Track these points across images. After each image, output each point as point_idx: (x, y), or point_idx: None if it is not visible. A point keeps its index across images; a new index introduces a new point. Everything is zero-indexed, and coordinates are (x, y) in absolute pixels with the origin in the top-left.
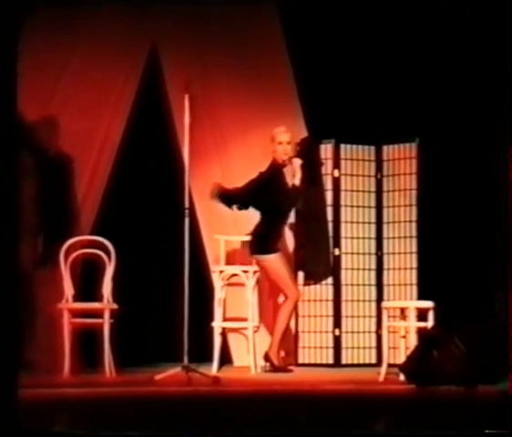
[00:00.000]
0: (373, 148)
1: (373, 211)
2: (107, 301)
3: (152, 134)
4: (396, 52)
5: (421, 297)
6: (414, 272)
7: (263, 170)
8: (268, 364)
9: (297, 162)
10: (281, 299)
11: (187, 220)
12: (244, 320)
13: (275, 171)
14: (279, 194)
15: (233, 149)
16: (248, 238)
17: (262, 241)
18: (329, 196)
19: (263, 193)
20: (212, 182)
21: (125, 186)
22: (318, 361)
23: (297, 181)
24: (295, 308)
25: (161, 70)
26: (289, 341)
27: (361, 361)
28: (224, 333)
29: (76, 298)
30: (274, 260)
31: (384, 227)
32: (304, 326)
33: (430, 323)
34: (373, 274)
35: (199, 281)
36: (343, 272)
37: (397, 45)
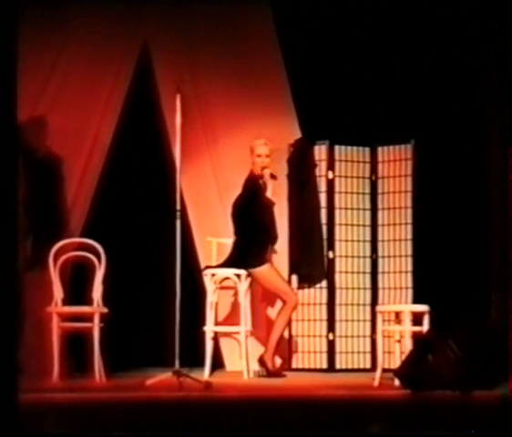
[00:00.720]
0: (367, 150)
1: (367, 213)
2: (97, 305)
3: (143, 134)
4: (392, 52)
5: (416, 300)
6: (410, 276)
7: (243, 184)
8: (262, 369)
9: (267, 173)
10: (271, 308)
11: (178, 222)
12: (236, 324)
13: (253, 184)
14: (258, 206)
15: (226, 150)
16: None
17: (250, 255)
18: (323, 198)
19: (244, 207)
20: (204, 183)
21: (115, 187)
22: (312, 366)
23: (269, 193)
24: (294, 311)
25: (153, 69)
26: (283, 347)
27: (355, 366)
28: (216, 338)
29: (66, 301)
30: (266, 271)
31: (379, 229)
32: (298, 330)
33: (425, 327)
34: (367, 277)
35: (190, 285)
36: (337, 275)
37: (392, 44)
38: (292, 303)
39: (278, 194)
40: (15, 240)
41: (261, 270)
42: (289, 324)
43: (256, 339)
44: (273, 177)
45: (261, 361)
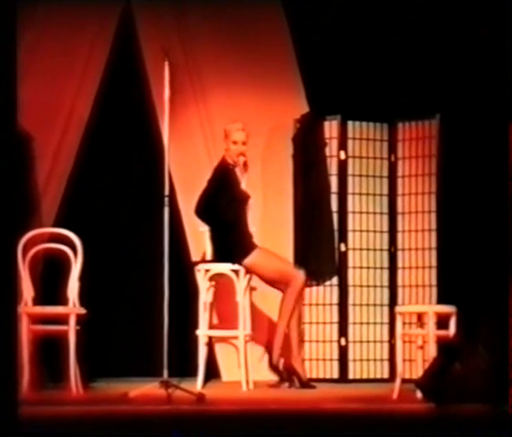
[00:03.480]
0: (385, 126)
1: (385, 200)
2: (72, 305)
3: (126, 108)
4: (414, 14)
5: (441, 300)
6: (434, 271)
7: (212, 172)
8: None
9: (241, 160)
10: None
11: (166, 210)
12: (234, 327)
13: (225, 172)
14: (230, 197)
15: (221, 127)
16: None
17: (234, 247)
18: (334, 182)
19: (214, 198)
20: (197, 165)
21: (94, 169)
22: (321, 376)
23: (243, 184)
24: (301, 295)
25: (136, 33)
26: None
27: (371, 376)
28: (211, 343)
29: (37, 301)
30: (257, 257)
31: (399, 218)
32: (305, 334)
33: (452, 331)
34: (385, 273)
35: (181, 282)
36: (350, 271)
37: (414, 5)
38: (298, 284)
39: (282, 177)
40: (14, 241)
41: (252, 259)
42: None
43: (256, 344)
44: (246, 165)
45: (291, 370)
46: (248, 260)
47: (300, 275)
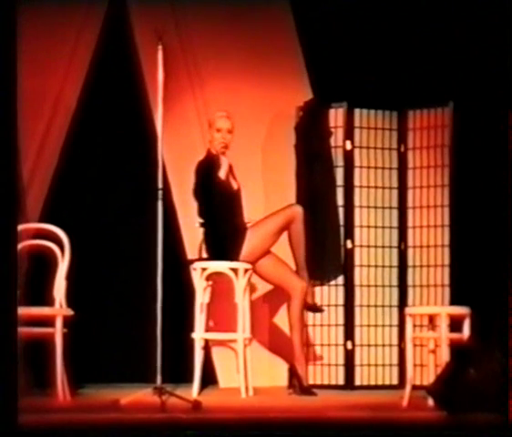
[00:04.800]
0: (395, 114)
1: (394, 193)
2: (59, 306)
3: (116, 95)
4: None
5: (454, 301)
6: (446, 270)
7: (198, 167)
8: (294, 384)
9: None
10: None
11: (160, 204)
12: (233, 330)
13: (211, 165)
14: (223, 192)
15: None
16: None
17: (230, 242)
18: (339, 174)
19: (204, 194)
20: (193, 156)
21: (82, 160)
22: (325, 382)
23: (222, 173)
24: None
25: (128, 15)
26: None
27: (379, 382)
28: (207, 347)
29: (21, 301)
30: (262, 259)
31: (409, 213)
32: (308, 338)
33: (466, 334)
34: (394, 272)
35: (175, 281)
36: (356, 270)
37: None
38: (298, 293)
39: (284, 169)
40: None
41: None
42: None
43: (256, 348)
44: (224, 150)
45: (293, 371)
46: (250, 259)
47: (300, 283)
